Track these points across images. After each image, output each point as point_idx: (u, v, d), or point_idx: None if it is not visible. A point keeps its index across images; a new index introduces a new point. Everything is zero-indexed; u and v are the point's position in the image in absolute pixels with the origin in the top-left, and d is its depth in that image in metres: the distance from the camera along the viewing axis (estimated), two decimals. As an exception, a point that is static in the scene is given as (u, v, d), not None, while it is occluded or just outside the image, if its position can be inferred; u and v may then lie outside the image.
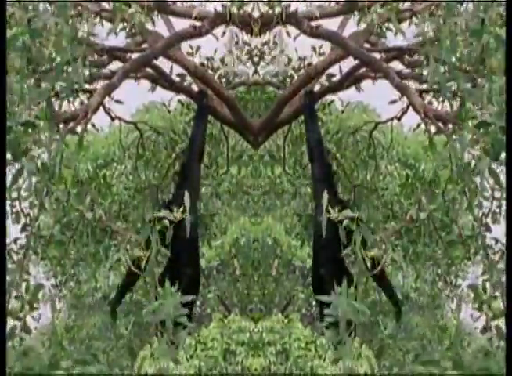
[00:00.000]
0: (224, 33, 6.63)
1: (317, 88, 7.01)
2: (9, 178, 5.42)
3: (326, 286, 5.88)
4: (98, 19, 5.97)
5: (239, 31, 6.32)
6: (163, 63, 6.37)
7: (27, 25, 5.35)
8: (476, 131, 5.52)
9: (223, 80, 7.02)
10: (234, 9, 5.88)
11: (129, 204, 7.08)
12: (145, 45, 6.42)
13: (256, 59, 7.06)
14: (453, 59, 5.65)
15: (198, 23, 6.01)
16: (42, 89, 5.48)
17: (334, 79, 7.01)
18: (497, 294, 5.75)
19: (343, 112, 7.89)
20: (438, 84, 5.76)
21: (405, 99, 6.73)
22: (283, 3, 5.96)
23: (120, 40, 6.29)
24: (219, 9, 5.91)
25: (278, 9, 5.94)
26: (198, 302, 6.84)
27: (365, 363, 6.07)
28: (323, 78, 7.04)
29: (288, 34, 6.61)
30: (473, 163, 5.65)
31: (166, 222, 5.65)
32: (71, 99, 5.91)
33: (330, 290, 5.54)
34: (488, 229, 5.88)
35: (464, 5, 5.69)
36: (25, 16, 5.36)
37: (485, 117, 5.48)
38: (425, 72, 5.99)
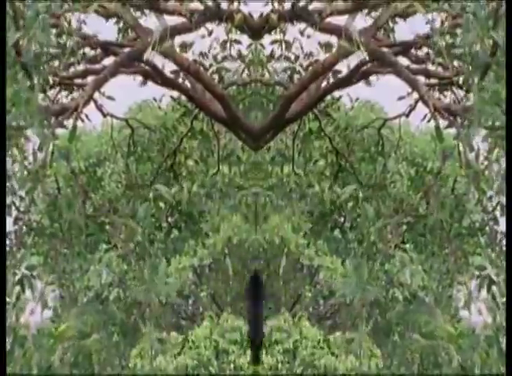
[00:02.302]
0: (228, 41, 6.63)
1: (324, 84, 6.91)
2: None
3: None
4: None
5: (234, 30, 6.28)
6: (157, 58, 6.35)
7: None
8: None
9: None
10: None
11: (120, 199, 7.02)
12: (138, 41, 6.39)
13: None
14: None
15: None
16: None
17: (341, 75, 6.90)
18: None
19: (352, 108, 7.83)
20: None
21: (412, 95, 6.68)
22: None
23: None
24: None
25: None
26: (190, 301, 6.78)
27: (373, 361, 6.00)
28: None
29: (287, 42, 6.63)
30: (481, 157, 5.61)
31: None
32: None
33: None
34: (496, 223, 5.78)
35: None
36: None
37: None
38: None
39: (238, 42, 6.76)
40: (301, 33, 6.83)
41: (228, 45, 6.81)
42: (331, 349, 6.20)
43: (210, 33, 6.48)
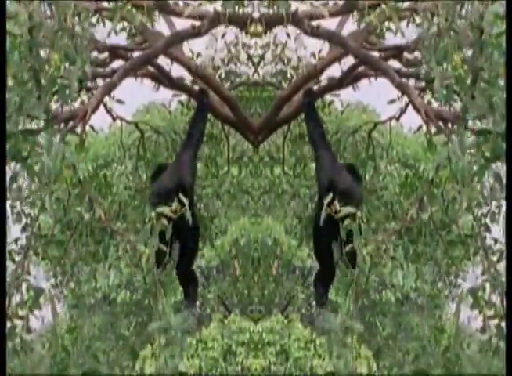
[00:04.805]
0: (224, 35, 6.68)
1: (316, 87, 7.00)
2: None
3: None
4: (99, 18, 5.96)
5: (239, 32, 6.30)
6: (164, 62, 6.37)
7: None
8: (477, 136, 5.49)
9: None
10: (231, 9, 5.82)
11: (129, 204, 7.03)
12: (146, 44, 6.41)
13: (256, 59, 7.06)
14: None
15: (197, 23, 5.98)
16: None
17: (333, 78, 6.99)
18: (496, 295, 5.74)
19: (342, 113, 7.88)
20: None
21: (403, 98, 6.77)
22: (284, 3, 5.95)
23: (122, 39, 6.32)
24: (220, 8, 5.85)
25: (279, 10, 5.91)
26: (198, 303, 6.81)
27: (364, 363, 6.08)
28: (323, 77, 7.04)
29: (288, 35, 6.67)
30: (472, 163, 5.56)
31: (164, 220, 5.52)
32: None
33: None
34: (488, 230, 5.87)
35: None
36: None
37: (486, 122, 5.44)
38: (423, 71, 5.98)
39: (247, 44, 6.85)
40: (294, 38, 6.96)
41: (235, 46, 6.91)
42: (322, 350, 6.25)
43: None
